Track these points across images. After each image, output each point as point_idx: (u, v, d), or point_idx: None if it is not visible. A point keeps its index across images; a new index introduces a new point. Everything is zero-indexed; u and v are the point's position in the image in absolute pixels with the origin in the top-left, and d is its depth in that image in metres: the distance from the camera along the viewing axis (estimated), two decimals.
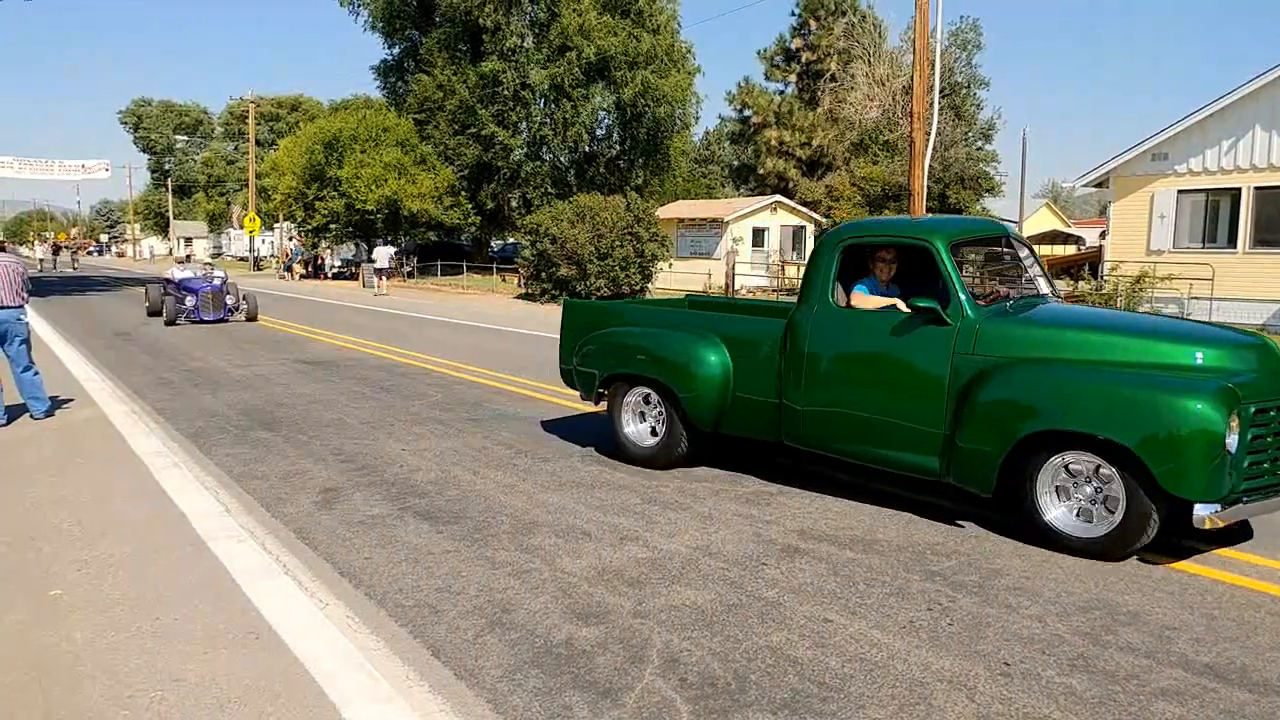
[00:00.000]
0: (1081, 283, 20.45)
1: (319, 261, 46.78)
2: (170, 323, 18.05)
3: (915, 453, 5.31)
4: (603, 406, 7.20)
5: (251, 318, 19.27)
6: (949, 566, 4.68)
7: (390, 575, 4.52)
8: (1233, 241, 19.00)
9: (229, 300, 19.10)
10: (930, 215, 16.76)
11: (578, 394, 7.39)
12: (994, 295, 5.74)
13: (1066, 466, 4.87)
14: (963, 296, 5.27)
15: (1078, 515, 4.88)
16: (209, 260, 25.28)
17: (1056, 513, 4.92)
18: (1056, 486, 4.93)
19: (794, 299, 6.50)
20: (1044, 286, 6.04)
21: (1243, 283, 18.33)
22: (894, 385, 5.40)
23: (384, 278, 32.28)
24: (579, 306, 7.64)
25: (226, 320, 18.87)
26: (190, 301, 18.53)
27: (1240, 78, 29.76)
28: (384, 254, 33.44)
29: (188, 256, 30.33)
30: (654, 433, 6.76)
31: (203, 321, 18.46)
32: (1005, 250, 6.26)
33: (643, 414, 6.87)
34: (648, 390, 6.73)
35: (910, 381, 5.34)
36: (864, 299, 5.82)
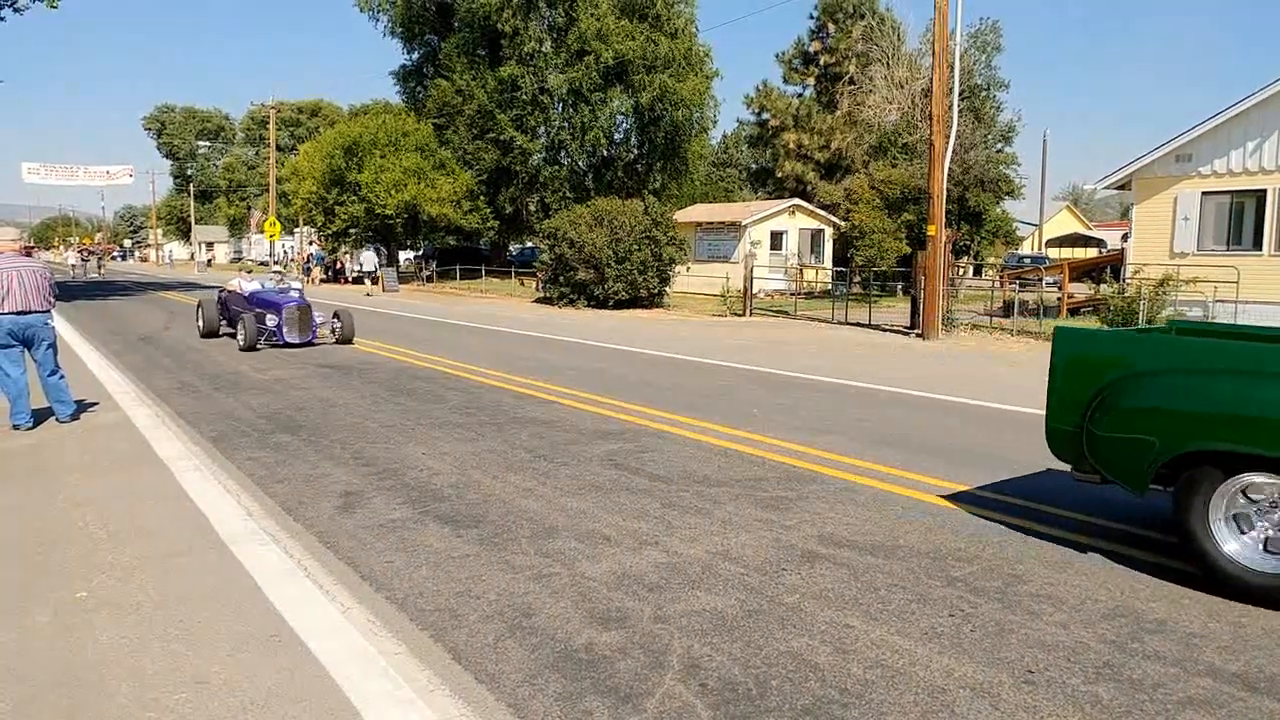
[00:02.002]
0: (1104, 286, 20.27)
1: (339, 266, 47.17)
2: (250, 347, 14.27)
3: None
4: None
5: (346, 340, 15.57)
6: (970, 572, 4.65)
7: (411, 579, 4.54)
8: (1258, 243, 18.80)
9: (317, 318, 15.64)
10: None
11: (1067, 463, 5.19)
12: None
13: None
14: None
15: None
16: (278, 268, 24.09)
17: None
18: None
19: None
20: None
21: (1269, 285, 18.11)
22: None
23: (370, 280, 35.70)
24: (1091, 338, 5.17)
25: (313, 343, 15.30)
26: (271, 321, 14.97)
27: (1265, 78, 29.42)
28: (369, 259, 37.72)
29: (208, 261, 30.87)
30: (1268, 548, 4.37)
31: (287, 345, 14.95)
32: None
33: (1241, 517, 4.47)
34: (1262, 478, 4.36)
35: None
36: None
